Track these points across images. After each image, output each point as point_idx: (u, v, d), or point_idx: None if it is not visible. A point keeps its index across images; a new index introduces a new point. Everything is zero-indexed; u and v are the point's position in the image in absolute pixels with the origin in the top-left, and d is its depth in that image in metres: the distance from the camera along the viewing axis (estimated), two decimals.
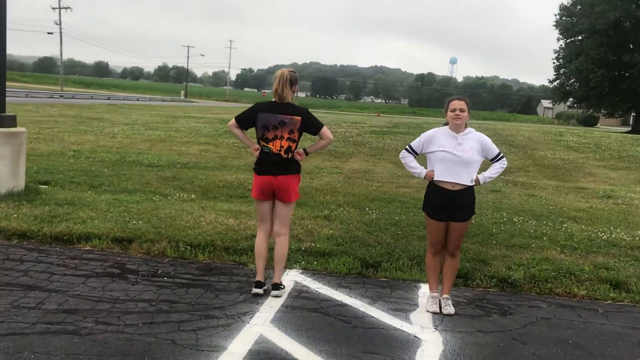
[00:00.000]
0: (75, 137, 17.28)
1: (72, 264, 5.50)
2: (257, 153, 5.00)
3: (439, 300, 4.97)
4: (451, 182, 4.78)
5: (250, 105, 5.24)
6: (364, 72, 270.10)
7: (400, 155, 5.08)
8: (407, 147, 5.02)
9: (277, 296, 4.95)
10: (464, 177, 4.77)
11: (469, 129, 4.88)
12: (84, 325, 4.14)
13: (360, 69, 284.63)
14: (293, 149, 4.92)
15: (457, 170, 4.76)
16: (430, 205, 4.93)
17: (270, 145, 4.88)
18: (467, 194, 4.84)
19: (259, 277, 5.02)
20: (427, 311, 4.84)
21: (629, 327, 4.75)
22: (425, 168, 4.93)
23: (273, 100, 4.95)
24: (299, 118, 4.89)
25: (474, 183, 4.81)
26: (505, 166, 4.98)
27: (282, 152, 4.88)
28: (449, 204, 4.81)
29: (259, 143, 4.98)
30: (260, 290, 4.96)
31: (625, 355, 4.20)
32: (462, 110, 4.77)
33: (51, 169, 10.59)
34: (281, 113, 4.86)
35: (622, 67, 56.28)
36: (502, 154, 4.96)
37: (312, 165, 13.84)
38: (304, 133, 4.98)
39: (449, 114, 4.82)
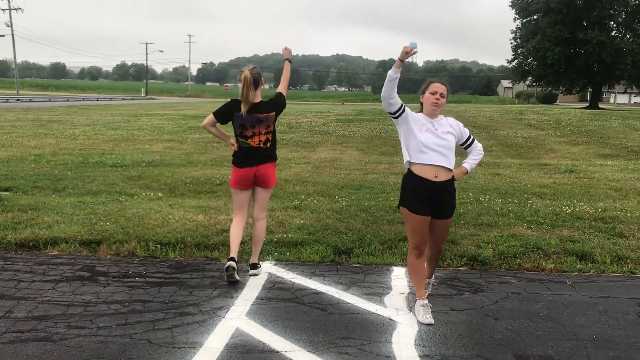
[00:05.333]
0: (35, 141, 16.88)
1: (40, 270, 5.39)
2: (234, 147, 5.12)
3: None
4: (434, 170, 4.23)
5: (224, 101, 5.31)
6: (326, 61, 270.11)
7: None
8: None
9: (254, 275, 5.14)
10: (446, 162, 4.25)
11: (440, 116, 4.43)
12: (55, 331, 4.06)
13: (322, 58, 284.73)
14: (270, 138, 5.11)
15: (439, 155, 4.24)
16: (411, 199, 4.29)
17: (249, 141, 5.02)
18: (450, 185, 4.34)
19: (233, 254, 5.03)
20: (421, 322, 4.27)
21: (596, 297, 4.89)
22: (408, 160, 4.35)
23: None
24: (273, 113, 5.08)
25: (455, 177, 4.35)
26: (482, 152, 4.54)
27: (261, 145, 5.06)
28: (432, 196, 4.26)
29: (237, 139, 5.09)
30: (233, 264, 4.92)
31: (593, 324, 4.32)
32: (442, 95, 4.28)
33: (12, 174, 10.33)
34: (256, 112, 5.00)
35: (577, 44, 57.44)
36: (473, 137, 4.54)
37: (280, 157, 13.73)
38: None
39: (428, 96, 4.30)
